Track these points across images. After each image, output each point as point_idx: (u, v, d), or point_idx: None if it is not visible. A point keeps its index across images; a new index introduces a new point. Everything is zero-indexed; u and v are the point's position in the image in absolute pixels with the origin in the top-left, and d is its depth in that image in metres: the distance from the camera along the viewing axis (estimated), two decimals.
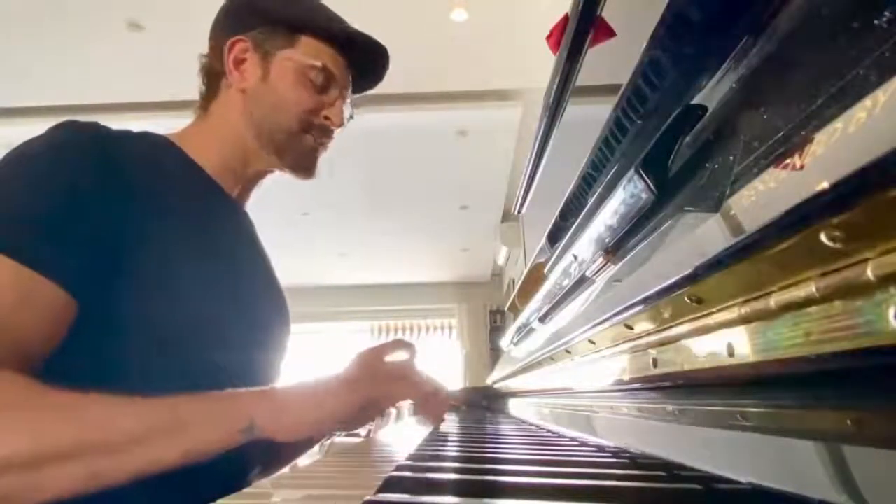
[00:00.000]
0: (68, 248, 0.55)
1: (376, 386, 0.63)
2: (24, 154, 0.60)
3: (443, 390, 0.70)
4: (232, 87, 0.79)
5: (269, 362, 0.78)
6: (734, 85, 0.41)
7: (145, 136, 0.72)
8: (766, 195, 0.29)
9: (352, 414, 0.60)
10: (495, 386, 1.94)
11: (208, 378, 0.63)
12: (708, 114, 0.43)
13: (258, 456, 0.75)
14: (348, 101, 0.84)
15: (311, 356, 6.75)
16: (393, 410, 0.80)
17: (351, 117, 0.85)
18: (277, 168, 0.82)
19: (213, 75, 0.80)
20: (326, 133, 0.82)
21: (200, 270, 0.67)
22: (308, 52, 0.78)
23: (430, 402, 0.69)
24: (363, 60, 0.84)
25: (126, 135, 0.69)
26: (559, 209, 0.92)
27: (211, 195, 0.76)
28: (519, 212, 1.34)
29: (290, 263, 6.67)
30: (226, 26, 0.80)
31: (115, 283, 0.58)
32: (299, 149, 0.80)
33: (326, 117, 0.80)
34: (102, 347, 0.58)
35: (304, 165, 0.82)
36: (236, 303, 0.71)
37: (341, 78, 0.81)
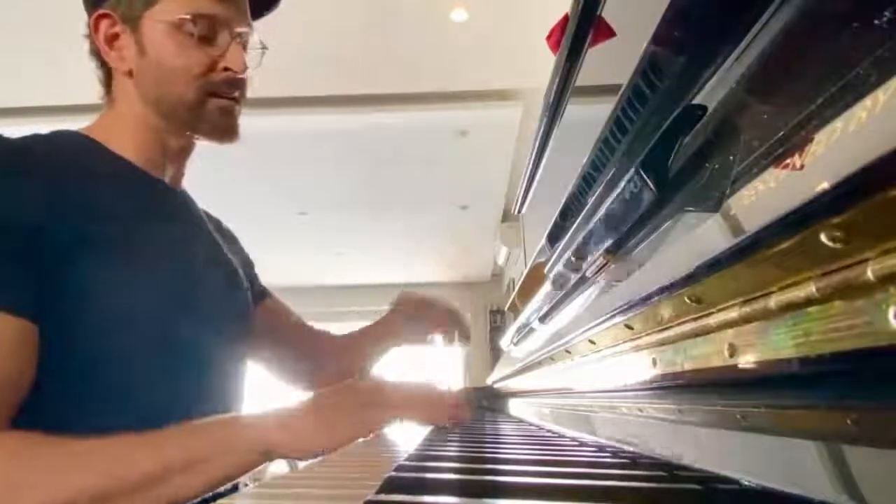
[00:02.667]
0: (14, 275, 0.54)
1: (393, 408, 0.62)
2: None
3: (455, 402, 0.69)
4: (118, 71, 0.72)
5: (230, 334, 0.76)
6: (734, 85, 0.41)
7: (57, 137, 0.68)
8: (766, 195, 0.29)
9: (364, 434, 0.60)
10: (495, 386, 1.94)
11: (176, 358, 0.65)
12: (708, 114, 0.43)
13: None
14: (249, 31, 0.74)
15: None
16: None
17: (264, 48, 0.76)
18: (192, 139, 0.76)
19: (100, 58, 0.73)
20: (234, 85, 0.72)
21: (137, 259, 0.65)
22: (175, 3, 0.68)
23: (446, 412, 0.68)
24: None
25: (34, 140, 0.64)
26: (559, 209, 0.92)
27: (139, 184, 0.72)
28: (519, 212, 1.34)
29: (289, 263, 6.69)
30: (87, 6, 0.72)
31: (63, 293, 0.58)
32: (207, 116, 0.72)
33: (226, 68, 0.71)
34: (65, 358, 0.58)
35: (220, 130, 0.74)
36: (185, 294, 0.69)
37: (227, 16, 0.70)
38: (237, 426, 0.57)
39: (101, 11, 0.70)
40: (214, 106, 0.72)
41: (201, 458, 0.53)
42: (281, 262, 5.67)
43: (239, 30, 0.71)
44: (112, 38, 0.70)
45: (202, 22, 0.68)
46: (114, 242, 0.63)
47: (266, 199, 4.55)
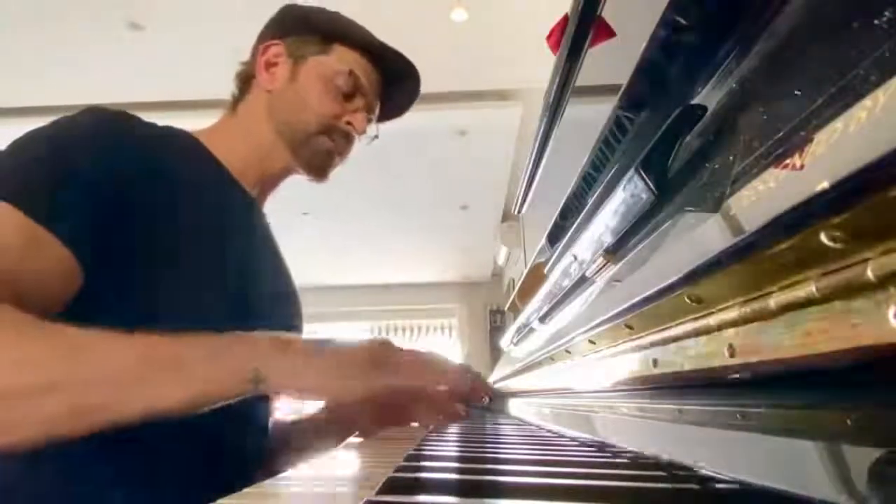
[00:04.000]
0: (77, 212, 0.55)
1: (397, 360, 0.59)
2: (52, 125, 0.61)
3: (472, 373, 0.68)
4: (260, 87, 0.80)
5: None
6: (734, 85, 0.41)
7: (168, 129, 0.73)
8: (766, 195, 0.29)
9: (366, 383, 0.56)
10: (495, 386, 1.94)
11: None
12: (708, 114, 0.43)
13: (259, 456, 0.75)
14: (374, 116, 0.85)
15: None
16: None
17: (375, 136, 0.86)
18: (291, 166, 0.82)
19: (246, 79, 0.82)
20: (346, 138, 0.82)
21: (209, 260, 0.67)
22: (340, 60, 0.80)
23: (463, 387, 0.66)
24: (395, 78, 0.85)
25: (150, 124, 0.70)
26: (559, 209, 0.92)
27: (227, 190, 0.77)
28: (519, 212, 1.34)
29: (289, 263, 6.67)
30: (264, 34, 0.83)
31: (123, 264, 0.58)
32: (314, 148, 0.80)
33: (349, 122, 0.80)
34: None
35: (316, 165, 0.82)
36: (244, 296, 0.71)
37: (370, 89, 0.82)
38: (233, 343, 0.54)
39: (273, 41, 0.81)
40: (323, 143, 0.80)
41: (185, 365, 0.50)
42: None
43: (373, 105, 0.84)
44: (272, 65, 0.80)
45: (352, 81, 0.80)
46: (183, 231, 0.65)
47: (268, 199, 4.54)
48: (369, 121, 0.84)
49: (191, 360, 0.51)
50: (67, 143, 0.60)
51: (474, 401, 0.68)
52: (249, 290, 0.72)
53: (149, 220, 0.61)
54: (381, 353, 0.59)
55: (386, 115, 0.90)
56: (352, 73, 0.79)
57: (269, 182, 0.84)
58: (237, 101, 0.83)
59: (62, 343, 0.49)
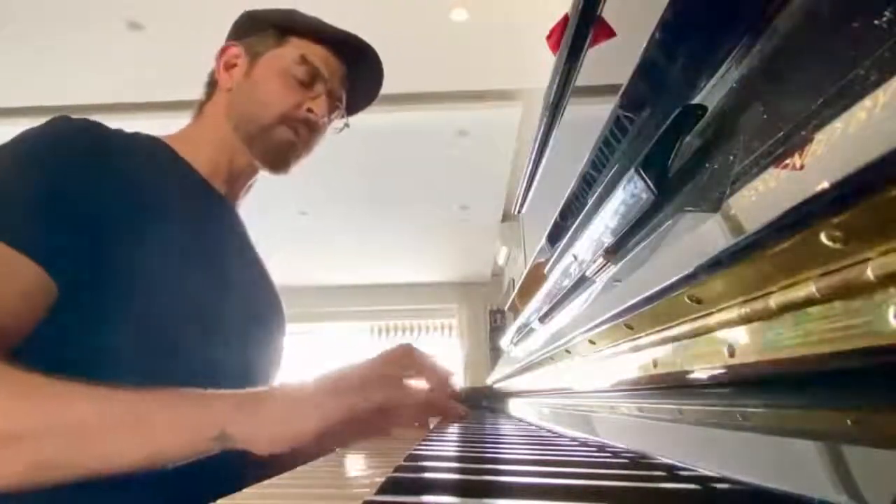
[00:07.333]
0: (48, 228, 0.55)
1: (363, 391, 0.58)
2: (17, 141, 0.61)
3: (445, 380, 0.68)
4: (222, 89, 0.81)
5: (261, 359, 0.77)
6: (734, 85, 0.41)
7: (136, 135, 0.73)
8: (766, 195, 0.29)
9: (336, 423, 0.54)
10: (495, 386, 1.94)
11: (195, 376, 0.60)
12: (708, 114, 0.43)
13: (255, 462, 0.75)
14: (340, 104, 0.84)
15: (310, 356, 6.75)
16: None
17: (346, 125, 0.86)
18: (254, 161, 0.82)
19: (212, 83, 0.83)
20: (308, 125, 0.80)
21: (184, 265, 0.67)
22: (294, 50, 0.80)
23: (435, 403, 0.67)
24: (357, 65, 0.84)
25: (117, 131, 0.70)
26: (559, 209, 0.92)
27: (198, 192, 0.77)
28: (519, 212, 1.34)
29: (289, 263, 6.69)
30: (227, 38, 0.84)
31: (98, 275, 0.58)
32: (270, 140, 0.79)
33: (309, 109, 0.79)
34: (86, 341, 0.57)
35: (274, 158, 0.81)
36: (222, 298, 0.71)
37: (330, 75, 0.81)
38: (196, 401, 0.52)
39: (232, 43, 0.82)
40: (282, 134, 0.79)
41: (147, 424, 0.49)
42: (281, 262, 5.67)
43: (336, 92, 0.82)
44: (231, 66, 0.81)
45: (306, 68, 0.78)
46: (158, 237, 0.64)
47: (266, 200, 4.55)
48: (336, 108, 0.83)
49: (153, 420, 0.49)
50: (35, 157, 0.60)
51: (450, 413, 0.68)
52: (227, 295, 0.72)
53: (122, 229, 0.61)
54: (342, 385, 0.58)
55: (356, 105, 0.89)
56: (305, 60, 0.78)
57: (240, 181, 0.84)
58: (203, 104, 0.83)
59: (21, 395, 0.47)
